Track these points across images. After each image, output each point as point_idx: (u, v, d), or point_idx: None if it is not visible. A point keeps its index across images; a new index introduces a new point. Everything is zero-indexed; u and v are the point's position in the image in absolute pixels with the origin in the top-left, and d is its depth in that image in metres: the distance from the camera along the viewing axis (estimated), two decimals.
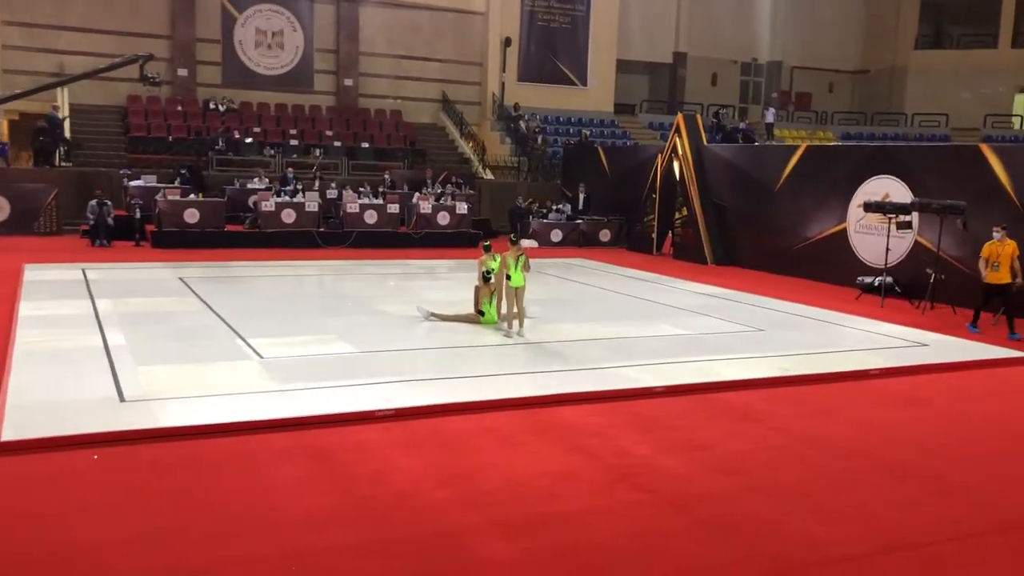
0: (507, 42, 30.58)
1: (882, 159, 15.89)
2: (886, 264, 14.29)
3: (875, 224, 15.37)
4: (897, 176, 15.27)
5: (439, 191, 22.74)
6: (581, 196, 23.84)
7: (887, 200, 14.80)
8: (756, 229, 18.56)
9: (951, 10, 38.56)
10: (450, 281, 14.97)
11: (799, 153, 17.77)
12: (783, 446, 6.95)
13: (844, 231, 16.39)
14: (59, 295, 12.08)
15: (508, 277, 10.59)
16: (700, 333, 11.28)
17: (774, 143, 29.13)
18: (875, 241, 15.29)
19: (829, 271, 16.39)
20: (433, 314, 11.40)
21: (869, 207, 14.64)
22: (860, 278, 15.22)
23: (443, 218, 21.38)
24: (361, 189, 21.94)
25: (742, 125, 30.41)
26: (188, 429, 6.65)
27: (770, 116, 32.75)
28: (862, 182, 15.99)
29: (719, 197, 19.65)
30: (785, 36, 37.03)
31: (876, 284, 14.50)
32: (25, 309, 10.95)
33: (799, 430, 7.37)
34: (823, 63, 38.32)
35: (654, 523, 5.42)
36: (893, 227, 14.05)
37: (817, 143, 27.86)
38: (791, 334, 11.38)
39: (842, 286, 15.57)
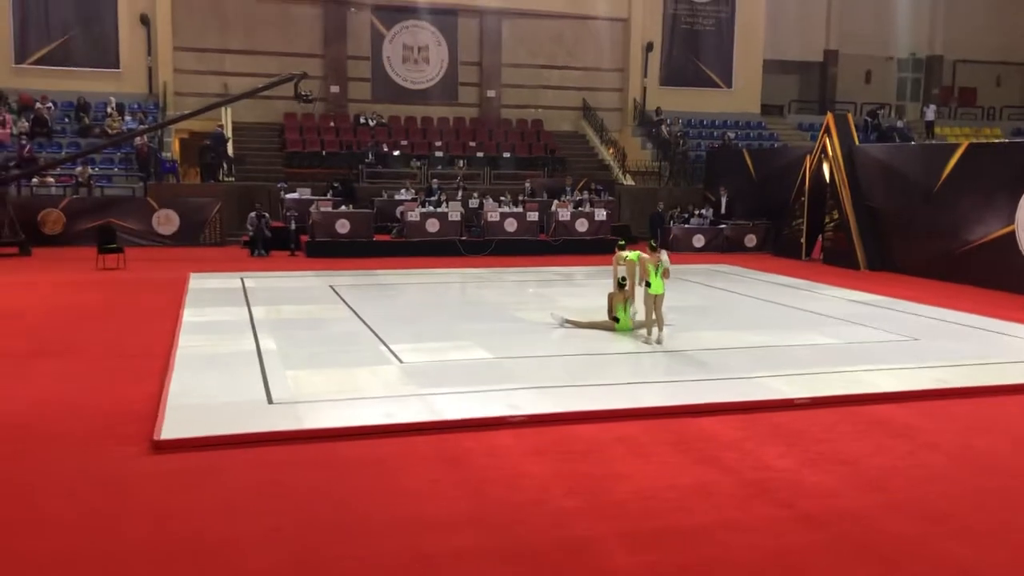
0: (649, 47, 30.30)
1: None
2: None
3: None
4: None
5: (578, 198, 22.78)
6: (723, 200, 23.30)
7: None
8: (913, 232, 17.59)
9: None
10: (587, 288, 14.94)
11: (960, 152, 16.74)
12: (934, 463, 6.54)
13: (1012, 234, 15.30)
14: (219, 302, 12.84)
15: (647, 284, 10.43)
16: (850, 342, 10.79)
17: (934, 142, 27.54)
18: None
19: (995, 277, 15.33)
20: (568, 321, 11.41)
21: None
22: None
23: (581, 225, 21.40)
24: (502, 198, 22.26)
25: (899, 124, 28.93)
26: (330, 431, 6.92)
27: (931, 114, 30.99)
28: None
29: (872, 199, 18.75)
30: (946, 28, 34.90)
31: None
32: (188, 315, 11.71)
33: (953, 446, 6.92)
34: (990, 55, 35.84)
35: (789, 539, 5.21)
36: None
37: (983, 141, 26.14)
38: (950, 344, 10.71)
39: (1010, 293, 14.54)
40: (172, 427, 6.85)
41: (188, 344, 9.89)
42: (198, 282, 14.83)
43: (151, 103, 25.54)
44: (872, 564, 4.87)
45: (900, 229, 18.01)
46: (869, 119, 29.11)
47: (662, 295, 10.41)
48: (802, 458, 6.58)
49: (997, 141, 25.76)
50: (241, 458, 6.39)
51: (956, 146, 17.33)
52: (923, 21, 34.83)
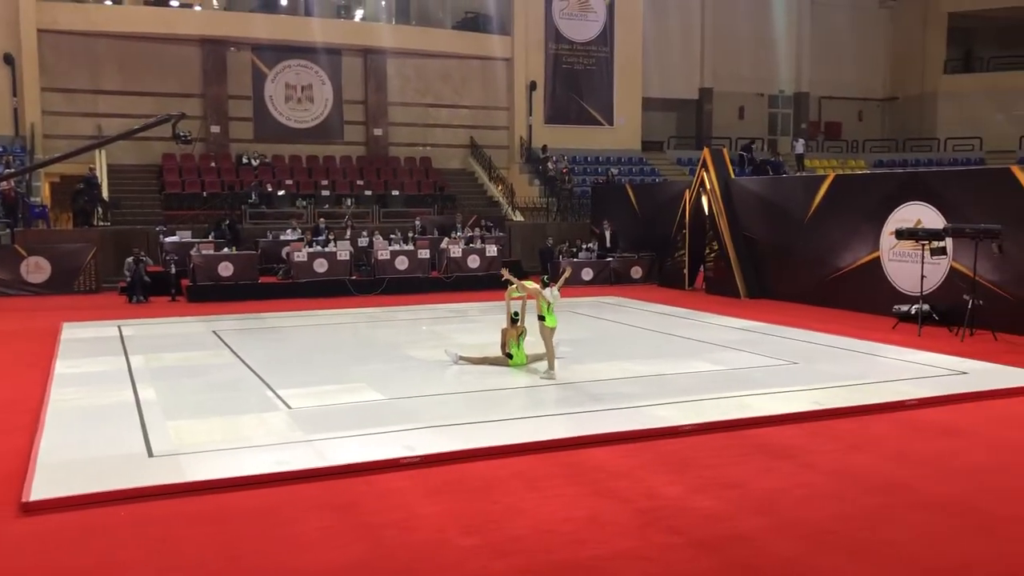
0: (532, 86, 30.92)
1: (912, 186, 15.70)
2: (922, 291, 14.03)
3: (909, 251, 15.15)
4: (928, 202, 15.06)
5: (468, 235, 22.89)
6: (607, 233, 23.84)
7: (919, 227, 14.59)
8: (788, 261, 18.38)
9: (980, 33, 38.34)
10: (481, 324, 14.96)
11: (827, 183, 17.63)
12: (817, 483, 6.78)
13: (878, 259, 16.17)
14: (94, 352, 12.26)
15: (541, 318, 10.53)
16: (733, 368, 11.13)
17: (804, 174, 28.95)
18: (910, 268, 15.05)
19: (864, 300, 16.14)
20: (462, 357, 11.39)
21: (901, 234, 14.42)
22: (896, 306, 14.96)
23: (473, 261, 21.49)
24: (392, 236, 22.16)
25: (772, 158, 30.30)
26: (214, 483, 6.66)
27: (800, 147, 32.62)
28: (893, 209, 15.80)
29: (749, 230, 19.53)
30: (810, 67, 37.03)
31: (913, 312, 14.24)
32: (61, 367, 11.13)
33: (833, 465, 7.20)
34: (851, 92, 38.19)
35: (684, 566, 5.29)
36: (927, 253, 13.83)
37: (848, 172, 27.66)
38: (826, 366, 11.18)
39: (878, 315, 15.32)
40: (44, 486, 6.46)
41: (61, 397, 9.39)
42: (72, 332, 14.14)
43: (17, 146, 24.39)
44: None
45: (776, 258, 18.79)
46: (744, 154, 30.37)
47: (554, 328, 10.56)
48: (692, 484, 6.72)
49: (861, 172, 27.30)
50: (121, 515, 6.08)
51: (824, 177, 18.23)
52: (790, 60, 36.81)
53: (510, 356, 11.08)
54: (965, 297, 13.24)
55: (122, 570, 5.23)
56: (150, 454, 7.35)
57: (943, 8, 36.63)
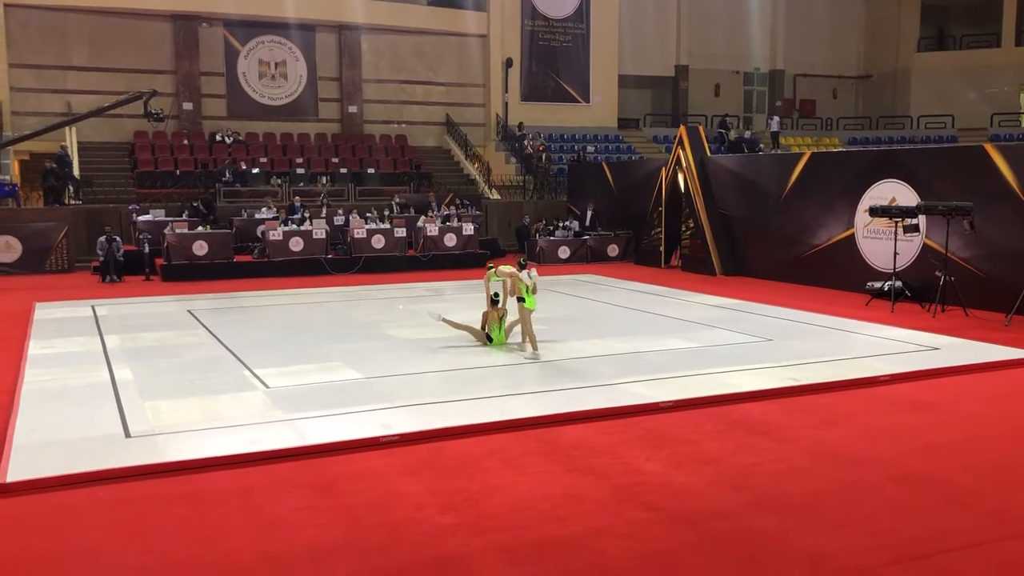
0: (508, 63, 30.74)
1: (886, 163, 15.82)
2: (895, 268, 14.18)
3: (882, 228, 15.29)
4: (902, 179, 15.19)
5: (445, 213, 22.82)
6: (589, 213, 23.85)
7: (893, 204, 14.72)
8: (764, 238, 18.49)
9: (953, 12, 38.56)
10: (458, 302, 14.95)
11: (803, 161, 17.72)
12: (792, 458, 6.86)
13: (852, 237, 16.30)
14: (68, 333, 12.14)
15: (521, 300, 10.54)
16: (709, 345, 11.21)
17: (780, 151, 29.06)
18: (883, 245, 15.19)
19: (838, 277, 16.29)
20: (445, 319, 11.42)
21: (875, 212, 14.54)
22: (870, 283, 15.11)
23: (450, 240, 21.45)
24: (368, 214, 22.04)
25: (747, 135, 30.37)
26: (192, 463, 6.64)
27: (775, 125, 32.74)
28: (868, 187, 15.93)
29: (725, 208, 19.61)
30: (785, 45, 37.12)
31: (886, 289, 14.39)
32: (34, 348, 11.02)
33: (808, 441, 7.29)
34: (825, 70, 38.32)
35: (662, 541, 5.34)
36: (900, 231, 13.96)
37: (823, 150, 27.81)
38: (801, 343, 11.29)
39: (852, 292, 15.47)
40: (20, 467, 6.42)
41: (35, 379, 9.30)
42: (44, 312, 13.99)
43: None
44: (740, 562, 5.06)
45: (752, 235, 18.90)
46: (721, 130, 30.31)
47: (533, 310, 10.59)
48: (669, 460, 6.78)
49: (837, 150, 27.46)
50: (98, 496, 6.05)
51: (800, 155, 18.32)
52: (765, 38, 36.85)
53: (491, 339, 11.08)
54: (937, 274, 13.40)
55: (97, 553, 5.21)
56: (127, 435, 7.31)
57: None
